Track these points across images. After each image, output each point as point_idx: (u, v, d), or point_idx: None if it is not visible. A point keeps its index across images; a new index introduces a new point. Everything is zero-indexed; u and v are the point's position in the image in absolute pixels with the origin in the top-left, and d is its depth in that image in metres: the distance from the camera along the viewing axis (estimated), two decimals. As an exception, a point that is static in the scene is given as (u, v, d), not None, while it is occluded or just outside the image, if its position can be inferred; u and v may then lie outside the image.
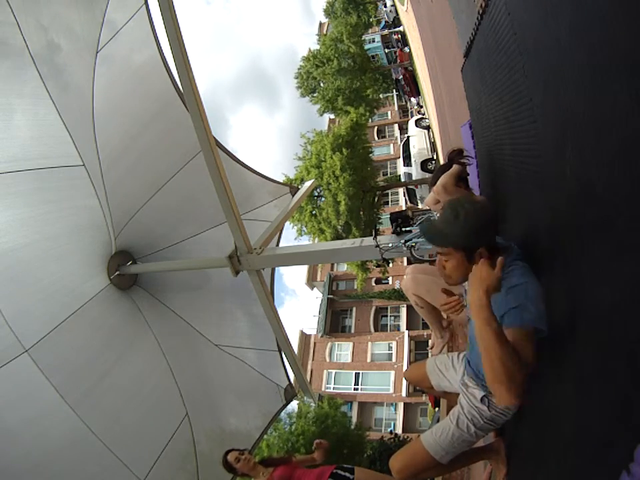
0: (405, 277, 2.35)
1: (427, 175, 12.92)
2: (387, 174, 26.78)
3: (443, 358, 1.90)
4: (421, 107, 20.06)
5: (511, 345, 1.13)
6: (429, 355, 2.49)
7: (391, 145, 29.09)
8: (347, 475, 2.10)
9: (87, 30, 2.08)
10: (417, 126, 14.70)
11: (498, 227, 1.39)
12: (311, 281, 25.48)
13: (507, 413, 1.52)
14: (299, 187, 3.81)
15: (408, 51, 21.02)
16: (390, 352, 20.58)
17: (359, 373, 20.65)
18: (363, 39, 22.39)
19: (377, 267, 13.91)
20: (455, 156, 1.99)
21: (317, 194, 14.43)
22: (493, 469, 1.93)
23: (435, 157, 13.36)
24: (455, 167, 1.95)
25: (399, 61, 23.18)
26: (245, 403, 3.34)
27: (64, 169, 2.16)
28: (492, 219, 1.36)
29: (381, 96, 23.12)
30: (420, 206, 14.96)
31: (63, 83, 2.06)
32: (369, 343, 21.29)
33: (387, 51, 26.61)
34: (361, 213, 14.27)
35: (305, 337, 22.28)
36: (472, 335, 1.55)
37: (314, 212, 14.44)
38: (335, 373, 21.08)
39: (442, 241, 1.35)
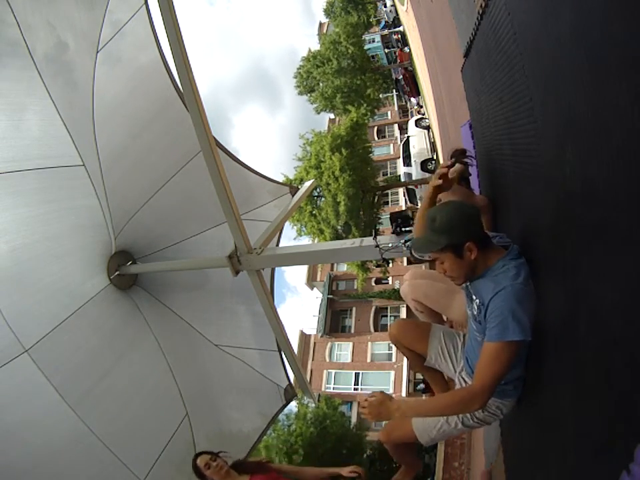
0: (403, 284, 2.34)
1: (427, 175, 12.92)
2: (386, 174, 26.75)
3: (450, 332, 1.78)
4: (421, 106, 20.06)
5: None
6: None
7: (391, 145, 29.07)
8: None
9: (87, 29, 2.07)
10: (416, 126, 14.74)
11: (480, 221, 1.42)
12: (311, 281, 25.46)
13: (497, 414, 1.52)
14: (299, 187, 3.80)
15: (408, 51, 21.02)
16: (390, 352, 20.54)
17: (358, 373, 20.64)
18: (362, 38, 22.38)
19: (376, 267, 13.93)
20: (458, 155, 1.99)
21: (316, 194, 14.43)
22: (491, 470, 1.94)
23: (435, 157, 13.37)
24: (457, 165, 1.95)
25: (399, 61, 23.14)
26: (245, 403, 3.34)
27: (64, 168, 2.16)
28: (471, 214, 1.40)
29: (380, 96, 23.09)
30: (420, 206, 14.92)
31: (62, 82, 2.06)
32: (369, 343, 21.28)
33: (387, 50, 26.60)
34: (361, 213, 14.26)
35: (305, 337, 22.26)
36: (471, 332, 1.56)
37: (313, 212, 14.44)
38: (335, 372, 21.06)
39: (428, 247, 1.41)
